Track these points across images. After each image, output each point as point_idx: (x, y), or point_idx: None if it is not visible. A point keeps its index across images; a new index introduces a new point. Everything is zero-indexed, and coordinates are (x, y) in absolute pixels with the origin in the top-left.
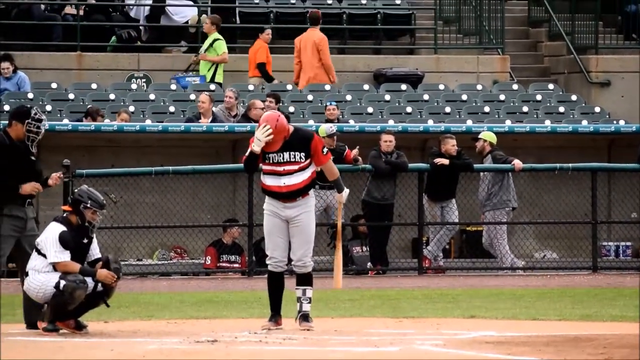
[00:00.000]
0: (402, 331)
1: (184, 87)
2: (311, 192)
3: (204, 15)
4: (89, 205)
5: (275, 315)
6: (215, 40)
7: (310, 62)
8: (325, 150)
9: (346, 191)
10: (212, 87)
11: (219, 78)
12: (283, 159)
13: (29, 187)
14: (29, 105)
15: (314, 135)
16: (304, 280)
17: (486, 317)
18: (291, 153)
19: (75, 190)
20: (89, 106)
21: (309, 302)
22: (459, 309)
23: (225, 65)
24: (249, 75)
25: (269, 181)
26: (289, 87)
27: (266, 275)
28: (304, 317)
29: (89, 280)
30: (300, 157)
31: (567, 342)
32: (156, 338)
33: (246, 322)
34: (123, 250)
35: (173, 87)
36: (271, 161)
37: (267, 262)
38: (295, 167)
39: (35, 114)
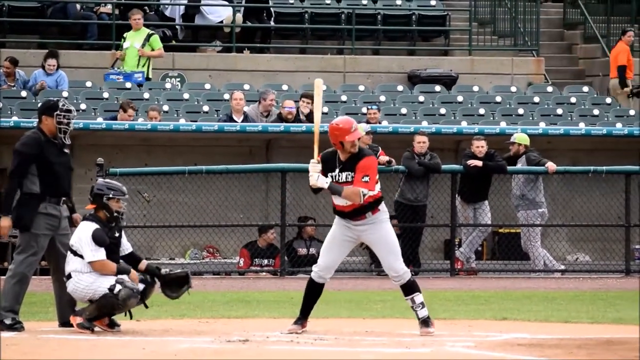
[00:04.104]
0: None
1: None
2: (382, 206)
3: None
4: (111, 196)
5: (302, 319)
6: (150, 35)
7: None
8: (366, 178)
9: (324, 181)
10: (246, 86)
11: (150, 74)
12: (341, 179)
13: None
14: (55, 98)
15: (368, 157)
16: (408, 289)
17: (518, 319)
18: (347, 173)
19: (93, 186)
20: (121, 101)
21: (422, 307)
22: (490, 311)
23: (158, 62)
24: (610, 76)
25: (335, 201)
26: (324, 87)
27: (298, 276)
28: (424, 323)
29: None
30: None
31: (599, 345)
32: (188, 337)
33: (278, 321)
34: (156, 249)
35: (207, 86)
36: (334, 180)
37: (313, 269)
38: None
39: (64, 105)
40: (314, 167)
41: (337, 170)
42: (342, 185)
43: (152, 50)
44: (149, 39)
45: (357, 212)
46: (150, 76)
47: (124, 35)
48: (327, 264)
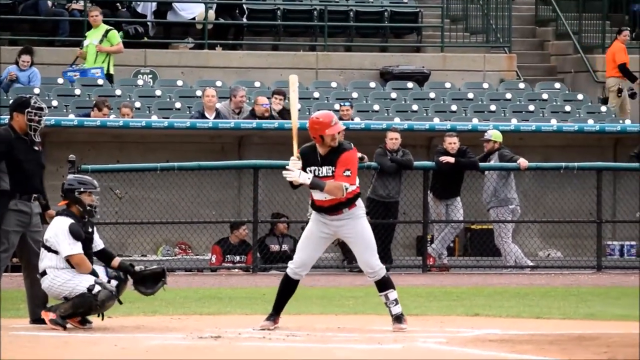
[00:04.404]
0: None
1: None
2: (359, 202)
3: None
4: (82, 190)
5: (275, 316)
6: (108, 31)
7: None
8: (348, 172)
9: (307, 178)
10: (219, 83)
11: (111, 70)
12: (321, 173)
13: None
14: (28, 95)
15: (348, 151)
16: (382, 285)
17: (490, 315)
18: (328, 167)
19: (64, 183)
20: (94, 98)
21: (396, 304)
22: (462, 307)
23: (119, 58)
24: (606, 75)
25: (315, 195)
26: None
27: (270, 273)
28: (397, 319)
29: (103, 276)
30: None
31: (570, 340)
32: (160, 334)
33: (250, 318)
34: (128, 246)
35: (179, 83)
36: (315, 175)
37: (289, 265)
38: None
39: (35, 102)
40: (295, 163)
41: (317, 165)
42: (324, 180)
43: (111, 45)
44: (106, 34)
45: (335, 207)
46: (112, 72)
47: (86, 34)
48: (304, 260)
